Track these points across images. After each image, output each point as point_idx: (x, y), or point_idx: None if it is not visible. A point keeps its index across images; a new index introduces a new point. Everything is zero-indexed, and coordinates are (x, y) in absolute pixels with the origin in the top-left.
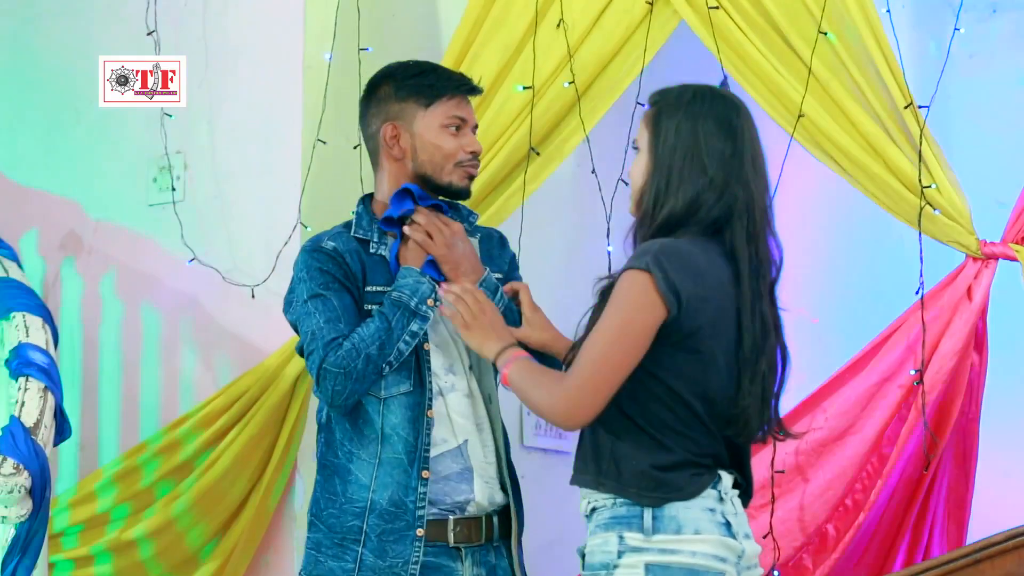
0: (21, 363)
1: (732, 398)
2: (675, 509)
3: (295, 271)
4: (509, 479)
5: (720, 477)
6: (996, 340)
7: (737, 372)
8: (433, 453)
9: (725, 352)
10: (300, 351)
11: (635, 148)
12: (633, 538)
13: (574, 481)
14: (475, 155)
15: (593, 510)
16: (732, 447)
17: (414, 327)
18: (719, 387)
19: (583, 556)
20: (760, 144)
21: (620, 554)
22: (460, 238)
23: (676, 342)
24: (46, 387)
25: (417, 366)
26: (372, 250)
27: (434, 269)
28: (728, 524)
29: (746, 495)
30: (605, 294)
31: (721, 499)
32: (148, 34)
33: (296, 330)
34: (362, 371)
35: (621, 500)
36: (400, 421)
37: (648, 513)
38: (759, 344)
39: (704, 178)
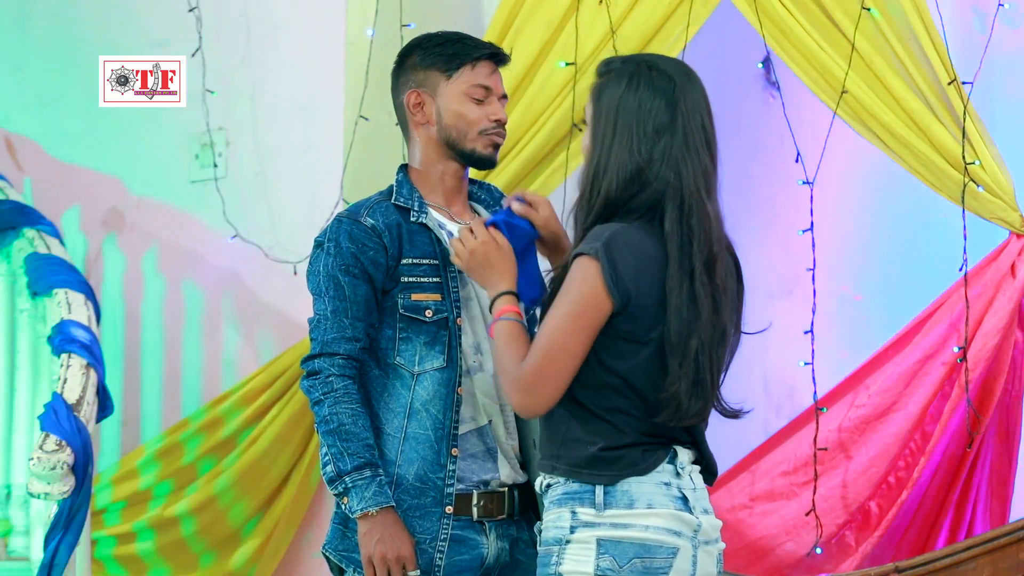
0: (63, 340)
1: (660, 383)
2: (628, 484)
3: (324, 234)
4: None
5: (676, 452)
6: None
7: (663, 355)
8: (461, 431)
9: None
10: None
11: (584, 122)
12: (585, 513)
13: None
14: (500, 123)
15: (548, 487)
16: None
17: (334, 487)
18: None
19: (539, 533)
20: (704, 118)
21: (573, 529)
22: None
23: (627, 332)
24: (88, 364)
25: (450, 342)
26: (413, 219)
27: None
28: (685, 498)
29: (708, 472)
30: (558, 281)
31: (678, 474)
32: (190, 10)
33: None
34: (311, 401)
35: (574, 478)
36: (431, 397)
37: (600, 488)
38: (689, 325)
39: (637, 159)
